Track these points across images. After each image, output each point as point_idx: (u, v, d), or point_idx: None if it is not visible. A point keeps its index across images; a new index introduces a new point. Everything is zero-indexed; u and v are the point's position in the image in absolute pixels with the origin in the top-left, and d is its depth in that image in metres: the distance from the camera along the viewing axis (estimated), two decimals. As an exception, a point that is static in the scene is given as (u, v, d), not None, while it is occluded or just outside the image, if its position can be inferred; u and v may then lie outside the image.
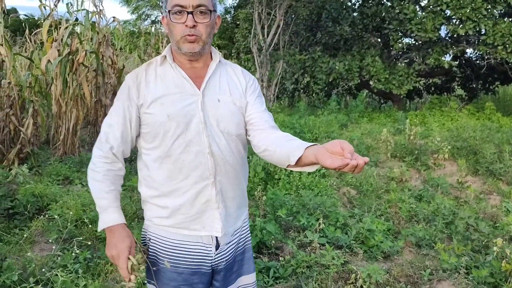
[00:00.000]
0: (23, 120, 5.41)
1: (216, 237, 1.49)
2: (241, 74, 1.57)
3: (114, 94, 6.73)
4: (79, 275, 2.71)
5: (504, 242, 2.92)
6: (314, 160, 1.18)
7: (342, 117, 9.29)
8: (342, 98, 14.50)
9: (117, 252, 1.38)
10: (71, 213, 3.31)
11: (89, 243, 2.94)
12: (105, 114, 6.46)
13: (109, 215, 1.43)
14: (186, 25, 1.38)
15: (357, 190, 5.09)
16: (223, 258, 1.52)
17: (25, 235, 3.21)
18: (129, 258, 1.38)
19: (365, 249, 3.50)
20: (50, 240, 3.15)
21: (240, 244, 1.60)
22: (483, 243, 3.49)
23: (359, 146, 6.40)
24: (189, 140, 1.41)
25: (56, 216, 3.34)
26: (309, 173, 4.98)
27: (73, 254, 2.90)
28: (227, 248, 1.53)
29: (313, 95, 11.98)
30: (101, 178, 1.44)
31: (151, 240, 1.51)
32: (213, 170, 1.43)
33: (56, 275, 2.53)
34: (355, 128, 8.44)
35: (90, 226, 3.26)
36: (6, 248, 3.09)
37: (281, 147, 1.34)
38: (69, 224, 3.15)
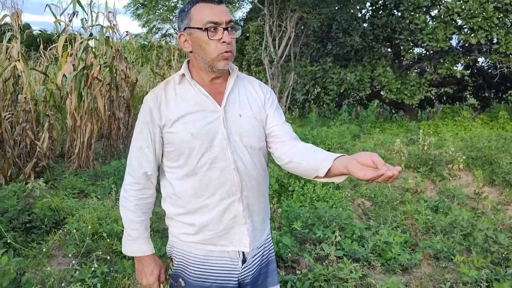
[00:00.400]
0: (39, 134, 5.48)
1: (243, 252, 1.49)
2: (259, 87, 1.57)
3: (128, 107, 6.80)
4: (97, 290, 2.71)
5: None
6: (344, 171, 1.20)
7: (354, 127, 9.25)
8: (353, 109, 14.48)
9: (147, 283, 1.49)
10: (89, 227, 3.32)
11: (108, 257, 2.94)
12: (118, 128, 6.53)
13: (139, 246, 1.48)
14: (224, 42, 1.37)
15: (372, 201, 5.04)
16: (250, 271, 1.52)
17: (43, 249, 3.23)
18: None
19: (383, 262, 3.45)
20: (69, 255, 3.16)
21: (264, 257, 1.60)
22: (503, 255, 3.42)
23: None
24: (214, 157, 1.41)
25: (73, 230, 3.36)
26: (323, 185, 4.95)
27: (91, 268, 2.92)
28: (253, 262, 1.53)
29: (324, 106, 11.97)
30: (133, 208, 1.47)
31: (177, 256, 1.52)
32: (239, 185, 1.43)
33: (75, 289, 2.54)
34: (367, 138, 8.39)
35: (108, 240, 3.27)
36: (24, 263, 3.11)
37: (308, 158, 1.34)
38: (87, 238, 3.17)
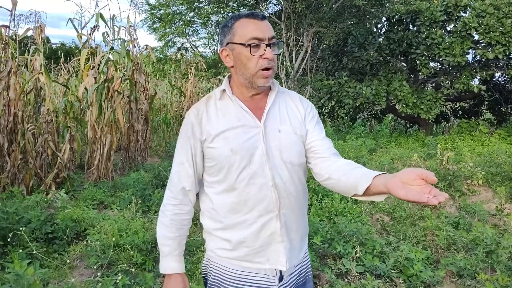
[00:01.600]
0: (60, 145, 5.57)
1: (280, 270, 1.47)
2: (299, 101, 1.55)
3: (146, 119, 6.88)
4: (120, 301, 2.72)
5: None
6: (384, 190, 1.16)
7: (370, 141, 9.22)
8: (367, 122, 14.43)
9: None
10: (113, 239, 3.35)
11: (132, 269, 2.95)
12: (137, 139, 6.60)
13: (169, 263, 1.49)
14: (266, 58, 1.38)
15: (391, 216, 5.00)
16: None
17: (67, 261, 3.26)
18: None
19: (404, 279, 3.41)
20: (93, 266, 3.18)
21: (301, 275, 1.57)
22: (529, 274, 3.36)
23: (390, 171, 6.32)
24: (254, 172, 1.40)
25: (95, 241, 3.39)
26: (341, 199, 4.93)
27: (113, 280, 2.93)
28: (290, 280, 1.51)
29: (338, 119, 11.97)
30: (168, 223, 1.48)
31: (214, 271, 1.51)
32: (277, 203, 1.42)
33: (99, 301, 2.55)
34: (384, 153, 8.35)
35: (130, 251, 3.28)
36: (47, 274, 3.13)
37: (347, 175, 1.32)
38: (109, 249, 3.19)
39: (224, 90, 1.48)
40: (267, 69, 1.39)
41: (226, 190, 1.43)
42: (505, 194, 5.49)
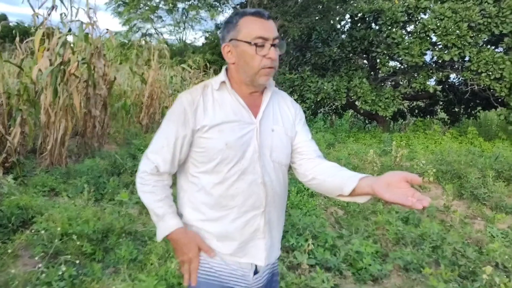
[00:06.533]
0: (10, 128, 5.32)
1: (256, 264, 1.49)
2: (290, 103, 1.59)
3: (104, 105, 6.70)
4: (65, 293, 2.65)
5: (493, 270, 2.96)
6: (370, 191, 1.22)
7: (329, 136, 9.38)
8: (328, 117, 14.68)
9: (188, 258, 1.44)
10: (58, 228, 3.23)
11: (77, 260, 2.87)
12: (94, 125, 6.42)
13: (169, 222, 1.43)
14: (269, 58, 1.38)
15: (344, 210, 5.12)
16: (260, 282, 1.52)
17: (9, 250, 3.13)
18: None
19: (354, 272, 3.50)
20: (36, 258, 3.06)
21: (274, 269, 1.61)
22: (470, 269, 3.53)
23: (346, 166, 6.43)
24: (245, 168, 1.41)
25: (41, 230, 3.27)
26: (297, 192, 5.00)
27: (58, 270, 2.84)
28: (264, 273, 1.54)
29: (300, 113, 12.10)
30: (152, 189, 1.44)
31: None
32: (264, 200, 1.44)
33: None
34: (342, 148, 8.51)
35: (77, 242, 3.18)
36: (-12, 262, 3.00)
37: (332, 177, 1.37)
38: (56, 239, 3.09)
39: (223, 82, 1.47)
40: (269, 67, 1.40)
41: (213, 182, 1.42)
42: (453, 191, 5.73)
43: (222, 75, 1.48)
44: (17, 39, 7.38)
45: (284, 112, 1.54)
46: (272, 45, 1.39)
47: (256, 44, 1.37)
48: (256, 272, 1.49)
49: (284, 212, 1.58)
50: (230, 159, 1.39)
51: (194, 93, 1.45)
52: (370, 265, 3.51)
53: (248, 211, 1.43)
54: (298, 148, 1.51)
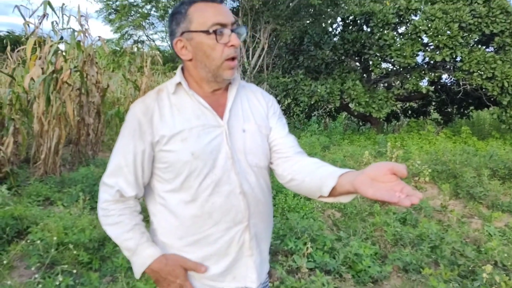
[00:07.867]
0: (3, 138, 5.27)
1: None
2: (261, 96, 1.39)
3: (98, 113, 6.66)
4: (63, 303, 2.61)
5: (493, 268, 2.96)
6: (351, 189, 1.04)
7: (324, 139, 9.38)
8: (322, 120, 14.71)
9: (178, 285, 1.25)
10: (54, 238, 3.19)
11: (74, 271, 2.83)
12: (88, 133, 6.37)
13: (144, 253, 1.24)
14: (232, 45, 1.21)
15: (342, 212, 5.10)
16: None
17: (4, 261, 3.09)
18: None
19: (353, 274, 3.49)
20: (32, 269, 3.02)
21: (265, 286, 1.42)
22: (469, 268, 3.52)
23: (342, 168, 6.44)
24: (218, 179, 1.22)
25: (37, 240, 3.23)
26: (294, 195, 4.98)
27: (55, 281, 2.80)
28: None
29: (294, 116, 12.11)
30: (117, 219, 1.24)
31: None
32: (247, 212, 1.25)
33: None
34: (337, 150, 8.52)
35: (74, 251, 3.15)
36: (-16, 274, 2.96)
37: (311, 176, 1.19)
38: (52, 249, 3.05)
39: (179, 83, 1.28)
40: (232, 59, 1.22)
41: (185, 202, 1.23)
42: (449, 191, 5.74)
43: (177, 76, 1.28)
44: (8, 48, 7.35)
45: (255, 107, 1.34)
46: (233, 30, 1.21)
47: (215, 32, 1.18)
48: None
49: (271, 219, 1.38)
50: (199, 171, 1.20)
51: (148, 100, 1.26)
52: (369, 267, 3.50)
53: (230, 228, 1.24)
54: (274, 146, 1.32)
